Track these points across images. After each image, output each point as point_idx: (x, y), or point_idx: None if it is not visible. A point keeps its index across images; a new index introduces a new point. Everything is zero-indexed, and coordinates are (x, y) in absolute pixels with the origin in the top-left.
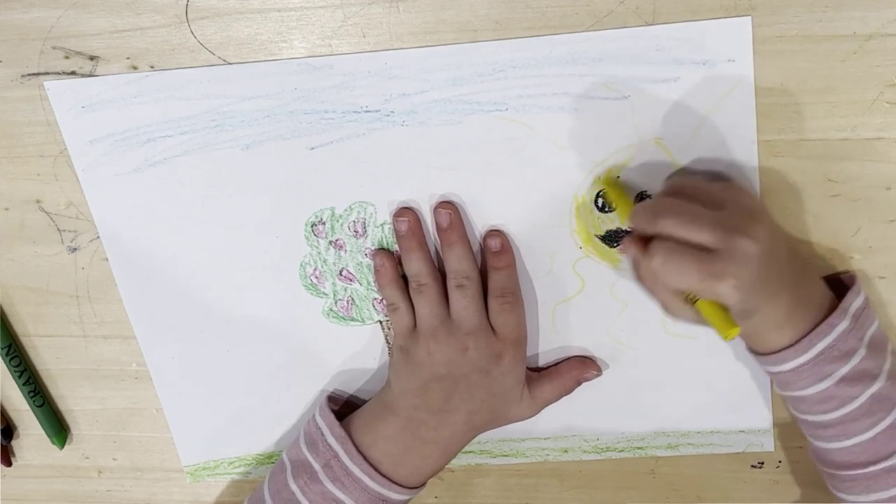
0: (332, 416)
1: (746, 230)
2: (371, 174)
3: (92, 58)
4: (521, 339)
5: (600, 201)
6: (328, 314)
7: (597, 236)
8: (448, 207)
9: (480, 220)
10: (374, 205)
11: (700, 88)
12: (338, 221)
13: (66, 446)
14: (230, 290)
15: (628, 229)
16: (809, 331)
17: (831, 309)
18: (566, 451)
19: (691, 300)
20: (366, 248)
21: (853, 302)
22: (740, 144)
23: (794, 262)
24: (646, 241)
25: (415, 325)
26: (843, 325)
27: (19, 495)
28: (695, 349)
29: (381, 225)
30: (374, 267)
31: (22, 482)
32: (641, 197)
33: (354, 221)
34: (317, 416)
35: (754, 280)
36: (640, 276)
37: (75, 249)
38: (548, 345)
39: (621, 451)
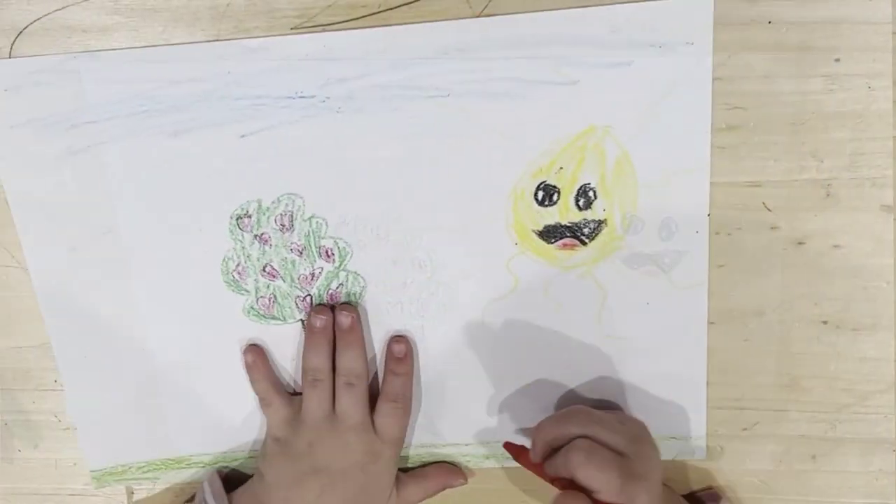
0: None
1: (649, 440)
2: (302, 165)
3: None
4: (401, 441)
5: (540, 194)
6: (248, 312)
7: (534, 231)
8: (351, 311)
9: (413, 216)
10: (303, 197)
11: (654, 73)
12: (264, 214)
13: None
14: (148, 285)
15: (568, 224)
16: None
17: None
18: (487, 458)
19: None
20: (292, 243)
21: None
22: (693, 133)
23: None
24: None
25: (291, 418)
26: None
27: None
28: (630, 350)
29: (309, 218)
30: (245, 363)
31: None
32: (584, 189)
33: (282, 214)
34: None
35: (659, 489)
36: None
37: None
38: (477, 346)
39: None
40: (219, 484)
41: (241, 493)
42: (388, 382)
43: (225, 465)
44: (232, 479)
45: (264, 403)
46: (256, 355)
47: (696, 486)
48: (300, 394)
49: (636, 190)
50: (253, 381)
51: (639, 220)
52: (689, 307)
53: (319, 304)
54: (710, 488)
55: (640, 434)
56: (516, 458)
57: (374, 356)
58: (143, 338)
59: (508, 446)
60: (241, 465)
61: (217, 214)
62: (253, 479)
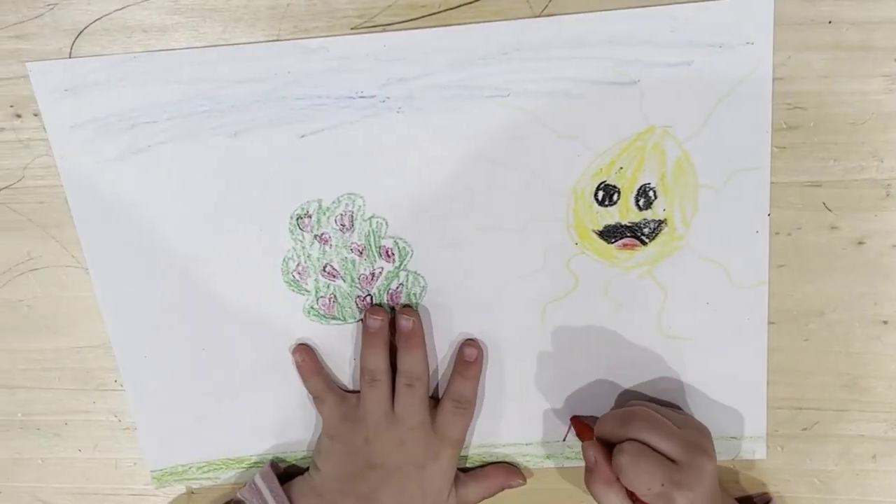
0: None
1: (705, 449)
2: (362, 164)
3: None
4: (461, 442)
5: (600, 194)
6: (309, 312)
7: (594, 231)
8: (412, 315)
9: (473, 216)
10: (363, 196)
11: (714, 73)
12: (324, 214)
13: None
14: (209, 286)
15: (628, 224)
16: None
17: None
18: (547, 458)
19: None
20: (352, 243)
21: None
22: (753, 133)
23: (722, 494)
24: (606, 449)
25: (345, 415)
26: None
27: None
28: (690, 350)
29: (370, 218)
30: (295, 362)
31: None
32: (644, 189)
33: (342, 214)
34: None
35: (706, 499)
36: (591, 480)
37: None
38: (537, 347)
39: None
40: (268, 468)
41: (296, 483)
42: (455, 383)
43: (282, 461)
44: (285, 476)
45: (318, 401)
46: (305, 354)
47: (753, 485)
48: (353, 391)
49: (696, 190)
50: (304, 380)
51: (699, 220)
52: (750, 307)
53: (374, 305)
54: (765, 493)
55: (697, 442)
56: (579, 436)
57: (434, 355)
58: (202, 338)
59: (575, 421)
60: (299, 463)
61: (277, 215)
62: (308, 471)
